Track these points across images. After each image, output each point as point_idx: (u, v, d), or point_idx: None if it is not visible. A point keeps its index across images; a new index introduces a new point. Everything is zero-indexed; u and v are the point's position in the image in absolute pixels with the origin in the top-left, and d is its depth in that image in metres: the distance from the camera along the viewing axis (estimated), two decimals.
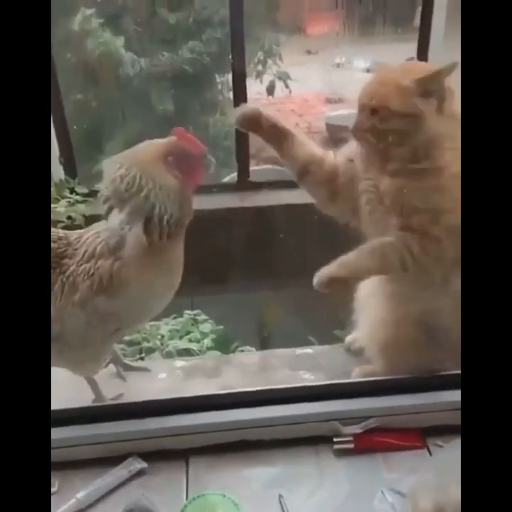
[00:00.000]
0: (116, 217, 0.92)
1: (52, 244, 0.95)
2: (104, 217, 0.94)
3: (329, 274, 0.98)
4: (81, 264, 0.92)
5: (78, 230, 0.99)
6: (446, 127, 0.91)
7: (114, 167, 0.90)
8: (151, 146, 0.91)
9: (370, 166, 0.98)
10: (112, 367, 1.18)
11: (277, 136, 1.04)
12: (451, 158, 0.91)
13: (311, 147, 1.07)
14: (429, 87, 0.90)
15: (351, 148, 1.04)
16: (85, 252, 0.93)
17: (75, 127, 2.55)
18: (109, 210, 0.92)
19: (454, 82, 0.91)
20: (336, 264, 0.99)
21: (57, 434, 0.93)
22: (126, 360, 1.20)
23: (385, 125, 0.92)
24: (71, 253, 0.94)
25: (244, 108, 1.04)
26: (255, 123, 1.03)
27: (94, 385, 1.06)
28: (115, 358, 1.18)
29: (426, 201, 0.92)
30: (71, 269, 0.93)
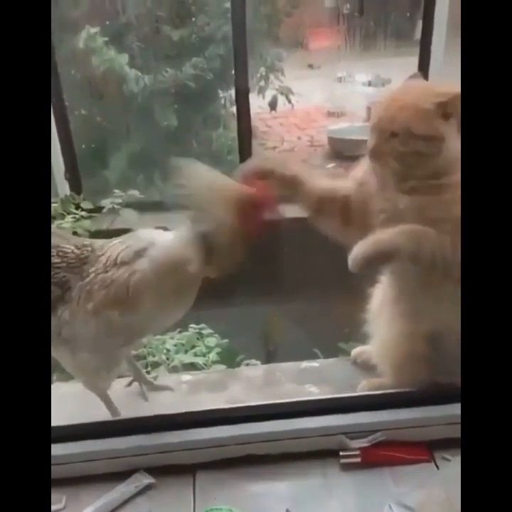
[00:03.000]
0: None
1: (76, 251, 0.97)
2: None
3: (364, 253, 0.96)
4: (99, 274, 0.94)
5: (104, 240, 1.01)
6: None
7: (200, 185, 0.91)
8: (231, 187, 0.92)
9: (387, 186, 0.98)
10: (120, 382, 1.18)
11: (285, 185, 1.05)
12: None
13: (321, 184, 1.07)
14: (451, 109, 0.90)
15: (361, 170, 1.04)
16: (107, 260, 0.94)
17: (82, 146, 2.58)
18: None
19: None
20: (370, 241, 0.97)
21: (64, 449, 0.94)
22: (150, 379, 1.20)
23: (406, 148, 0.92)
24: (93, 260, 0.96)
25: (247, 164, 1.04)
26: (261, 177, 1.02)
27: (107, 401, 1.06)
28: (139, 376, 1.18)
29: (448, 212, 0.92)
30: (90, 276, 0.94)
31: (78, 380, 1.05)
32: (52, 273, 0.95)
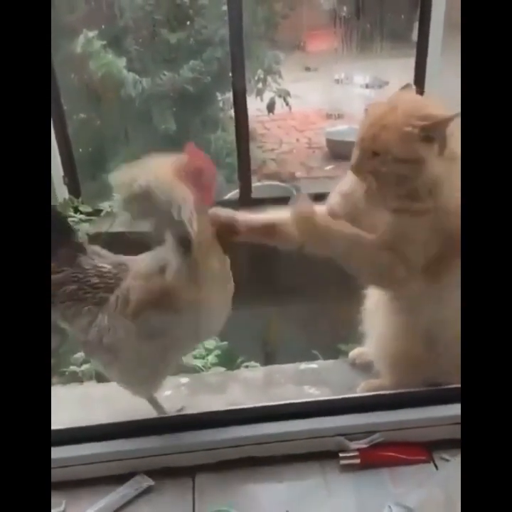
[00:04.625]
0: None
1: (114, 270, 0.99)
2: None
3: (307, 210, 0.98)
4: (136, 280, 0.96)
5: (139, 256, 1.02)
6: (445, 169, 0.93)
7: (126, 185, 0.90)
8: (164, 163, 0.91)
9: (369, 201, 0.99)
10: None
11: (261, 235, 1.05)
12: (446, 195, 0.93)
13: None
14: (433, 133, 0.91)
15: (346, 183, 1.05)
16: (141, 272, 0.97)
17: (80, 150, 2.58)
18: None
19: (455, 124, 0.92)
20: (323, 218, 0.99)
21: (64, 452, 0.94)
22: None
23: (386, 168, 0.93)
24: (125, 273, 0.99)
25: (219, 215, 1.01)
26: (233, 232, 1.01)
27: (154, 403, 1.07)
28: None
29: (422, 235, 0.95)
30: (127, 283, 0.97)
31: (123, 387, 1.05)
32: (91, 293, 0.98)
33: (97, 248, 1.04)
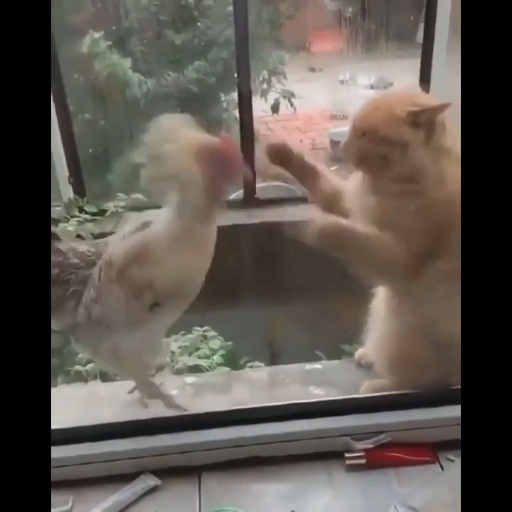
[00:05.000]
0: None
1: (91, 249, 1.02)
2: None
3: (322, 224, 0.99)
4: (116, 245, 0.99)
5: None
6: (430, 159, 0.94)
7: (152, 144, 0.95)
8: (195, 136, 0.95)
9: (363, 185, 1.02)
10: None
11: (305, 173, 1.10)
12: (434, 185, 0.94)
13: (335, 181, 1.11)
14: (419, 119, 0.93)
15: (349, 183, 1.08)
16: (120, 236, 1.01)
17: (85, 150, 2.59)
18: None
19: (449, 118, 0.95)
20: (333, 218, 1.01)
21: (71, 451, 0.94)
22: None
23: (371, 149, 0.95)
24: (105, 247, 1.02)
25: (274, 140, 1.10)
26: (284, 157, 1.09)
27: (154, 390, 1.08)
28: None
29: (408, 220, 0.95)
30: (108, 251, 0.99)
31: (117, 369, 1.06)
32: (73, 274, 1.00)
33: (74, 241, 1.08)
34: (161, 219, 0.97)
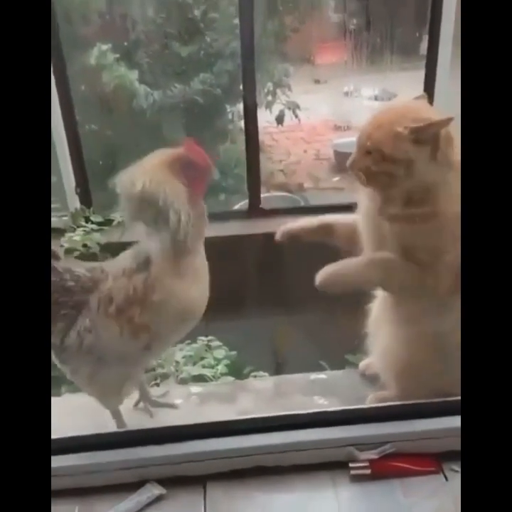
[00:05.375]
0: (141, 234, 0.98)
1: (88, 274, 1.01)
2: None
3: (328, 279, 1.02)
4: (117, 280, 0.98)
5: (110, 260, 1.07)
6: (438, 174, 0.93)
7: (125, 187, 0.95)
8: (159, 155, 0.96)
9: (374, 207, 1.01)
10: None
11: (321, 233, 1.13)
12: (444, 202, 0.93)
13: (349, 217, 1.12)
14: (422, 136, 0.91)
15: (359, 205, 1.07)
16: (121, 271, 0.99)
17: (93, 160, 2.61)
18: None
19: (454, 129, 0.93)
20: (337, 267, 1.03)
21: (76, 460, 0.95)
22: (154, 397, 1.21)
23: (377, 167, 0.94)
24: (106, 277, 1.00)
25: (284, 228, 1.14)
26: (297, 236, 1.13)
27: (118, 416, 1.09)
28: (144, 395, 1.20)
29: (427, 241, 0.96)
30: (108, 285, 0.98)
31: (91, 394, 1.07)
32: (67, 297, 1.00)
33: (73, 260, 1.08)
34: (158, 254, 0.96)
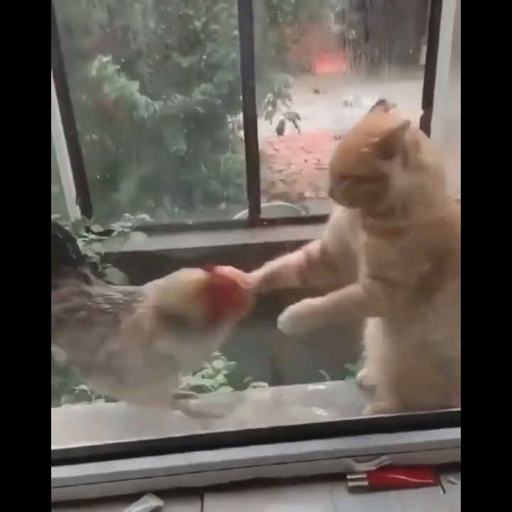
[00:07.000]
0: None
1: (125, 298, 1.04)
2: None
3: (291, 321, 1.03)
4: (149, 308, 1.00)
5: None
6: (413, 180, 0.93)
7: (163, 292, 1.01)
8: (191, 282, 1.00)
9: (353, 223, 1.02)
10: None
11: (269, 285, 1.13)
12: (421, 211, 0.94)
13: (292, 258, 1.13)
14: (387, 148, 0.90)
15: (335, 213, 1.08)
16: (155, 298, 1.02)
17: (94, 170, 2.63)
18: None
19: (417, 131, 0.94)
20: (299, 308, 1.03)
21: (74, 471, 0.95)
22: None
23: (355, 190, 0.94)
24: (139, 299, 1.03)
25: (258, 279, 1.13)
26: (274, 280, 1.13)
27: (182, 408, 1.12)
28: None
29: (401, 256, 0.95)
30: (141, 310, 1.00)
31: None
32: (101, 317, 1.02)
33: (100, 282, 1.11)
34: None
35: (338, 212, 1.07)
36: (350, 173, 0.93)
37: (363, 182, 0.93)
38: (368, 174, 0.92)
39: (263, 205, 2.73)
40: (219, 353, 1.78)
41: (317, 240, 1.12)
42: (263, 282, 1.12)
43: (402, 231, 0.94)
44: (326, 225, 1.11)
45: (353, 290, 1.01)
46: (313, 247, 1.12)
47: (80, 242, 2.17)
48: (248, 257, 2.46)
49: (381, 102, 1.02)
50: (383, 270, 0.97)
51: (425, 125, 2.43)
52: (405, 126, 0.90)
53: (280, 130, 3.36)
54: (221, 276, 1.00)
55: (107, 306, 1.02)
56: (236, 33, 2.52)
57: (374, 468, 0.95)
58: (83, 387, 1.60)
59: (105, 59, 2.80)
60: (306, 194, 3.77)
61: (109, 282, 1.17)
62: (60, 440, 0.96)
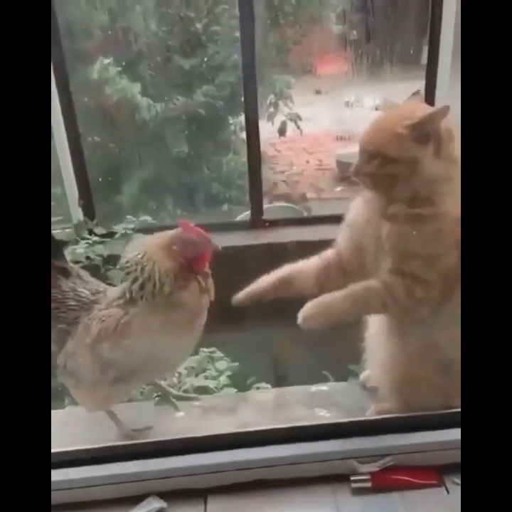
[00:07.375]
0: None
1: (91, 297, 1.06)
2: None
3: (308, 318, 1.01)
4: (101, 310, 1.02)
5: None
6: (443, 171, 0.93)
7: (134, 253, 1.02)
8: (159, 237, 1.02)
9: (373, 213, 1.00)
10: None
11: (281, 290, 1.10)
12: (449, 202, 0.92)
13: (307, 264, 1.11)
14: (423, 131, 0.91)
15: (351, 213, 1.07)
16: (111, 300, 1.03)
17: (96, 172, 2.64)
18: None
19: (453, 125, 0.93)
20: (315, 305, 1.02)
21: (76, 473, 0.95)
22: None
23: (383, 170, 0.94)
24: (102, 300, 1.05)
25: (238, 297, 1.11)
26: (258, 298, 1.10)
27: (113, 416, 1.12)
28: (164, 393, 1.25)
29: (424, 247, 0.94)
30: (93, 313, 1.02)
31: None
32: (66, 313, 1.04)
33: (83, 272, 1.12)
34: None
35: (354, 210, 1.06)
36: (382, 152, 0.93)
37: (392, 163, 0.93)
38: (398, 156, 0.92)
39: (265, 206, 2.72)
40: (222, 354, 1.78)
41: (332, 248, 1.11)
42: (273, 288, 1.10)
43: (428, 219, 0.93)
44: (340, 229, 1.09)
45: (371, 285, 0.99)
46: (330, 254, 1.10)
47: (82, 244, 2.18)
48: (250, 258, 2.47)
49: (416, 93, 1.04)
50: (406, 262, 0.95)
51: None
52: (445, 111, 0.90)
53: (282, 131, 3.36)
54: (188, 227, 1.01)
55: (73, 303, 1.03)
56: (237, 34, 2.52)
57: (377, 469, 0.95)
58: None
59: (107, 61, 2.80)
60: (308, 195, 3.78)
61: (111, 284, 1.17)
62: (64, 442, 0.97)
